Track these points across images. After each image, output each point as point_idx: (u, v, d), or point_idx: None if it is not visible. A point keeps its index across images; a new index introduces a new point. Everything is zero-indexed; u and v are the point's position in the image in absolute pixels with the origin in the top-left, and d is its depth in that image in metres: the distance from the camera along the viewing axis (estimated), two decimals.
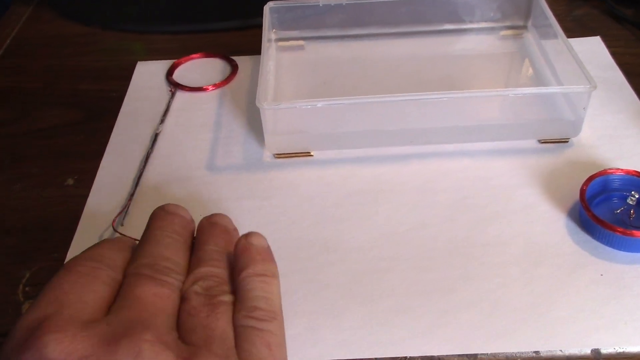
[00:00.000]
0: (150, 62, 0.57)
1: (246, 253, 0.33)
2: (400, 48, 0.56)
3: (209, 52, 0.57)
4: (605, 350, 0.34)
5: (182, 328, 0.29)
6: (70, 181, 0.46)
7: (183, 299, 0.31)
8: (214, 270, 0.32)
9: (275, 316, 0.31)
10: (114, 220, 0.42)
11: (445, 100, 0.44)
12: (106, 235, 0.41)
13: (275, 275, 0.33)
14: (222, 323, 0.30)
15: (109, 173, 0.46)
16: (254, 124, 0.49)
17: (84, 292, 0.29)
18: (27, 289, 0.39)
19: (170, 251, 0.33)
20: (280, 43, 0.56)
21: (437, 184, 0.44)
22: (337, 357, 0.35)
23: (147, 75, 0.55)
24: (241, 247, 0.33)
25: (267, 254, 0.33)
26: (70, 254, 0.40)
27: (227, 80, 0.54)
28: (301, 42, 0.56)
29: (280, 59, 0.55)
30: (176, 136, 0.49)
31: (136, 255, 0.32)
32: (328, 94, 0.51)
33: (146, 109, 0.52)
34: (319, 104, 0.43)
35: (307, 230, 0.41)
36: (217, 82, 0.54)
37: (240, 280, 0.32)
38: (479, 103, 0.46)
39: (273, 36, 0.55)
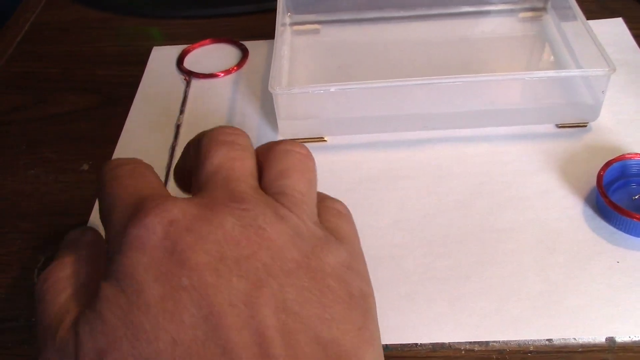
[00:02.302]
0: (165, 47, 0.57)
1: None
2: (417, 31, 0.55)
3: (217, 38, 0.57)
4: (620, 338, 0.34)
5: (269, 190, 0.28)
6: (85, 166, 0.46)
7: (266, 160, 0.29)
8: None
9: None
10: None
11: (461, 84, 0.43)
12: None
13: None
14: (312, 184, 0.29)
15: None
16: (268, 109, 0.49)
17: (149, 182, 0.28)
18: (41, 274, 0.39)
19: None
20: (295, 27, 0.55)
21: (451, 169, 0.43)
22: None
23: (162, 61, 0.55)
24: None
25: None
26: None
27: (238, 65, 0.53)
28: (317, 26, 0.56)
29: (294, 43, 0.54)
30: (189, 122, 0.49)
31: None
32: (343, 78, 0.50)
33: (161, 95, 0.52)
34: (332, 89, 0.43)
35: None
36: (228, 68, 0.53)
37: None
38: (496, 87, 0.45)
39: (288, 20, 0.55)
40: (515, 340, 0.34)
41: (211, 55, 0.56)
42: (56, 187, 0.45)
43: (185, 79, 0.53)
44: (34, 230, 0.42)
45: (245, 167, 0.28)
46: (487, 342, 0.34)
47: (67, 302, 0.26)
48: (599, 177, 0.39)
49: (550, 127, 0.46)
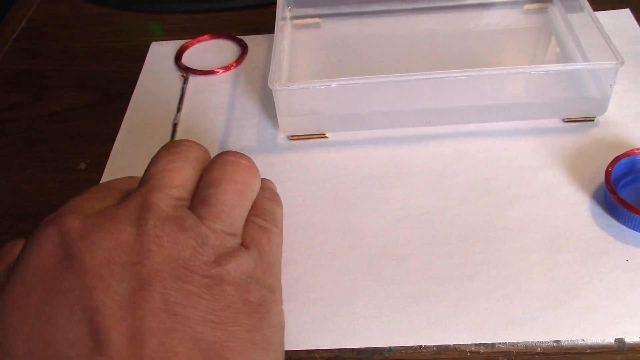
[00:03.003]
0: (164, 42, 0.56)
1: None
2: (420, 24, 0.54)
3: (216, 34, 0.56)
4: (630, 339, 0.33)
5: (196, 198, 0.30)
6: (82, 165, 0.45)
7: (205, 169, 0.31)
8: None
9: (278, 227, 0.33)
10: None
11: (465, 79, 0.42)
12: None
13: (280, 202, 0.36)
14: (241, 195, 0.31)
15: (121, 157, 0.45)
16: (268, 106, 0.48)
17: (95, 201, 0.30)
18: None
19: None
20: (296, 21, 0.54)
21: (455, 165, 0.42)
22: (351, 346, 0.34)
23: (161, 56, 0.54)
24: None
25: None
26: None
27: (237, 61, 0.52)
28: (317, 20, 0.55)
29: (295, 37, 0.53)
30: (188, 120, 0.48)
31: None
32: (344, 73, 0.49)
33: (159, 91, 0.51)
34: (333, 84, 0.42)
35: (321, 214, 0.40)
36: (227, 64, 0.52)
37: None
38: (500, 81, 0.44)
39: (288, 14, 0.54)
40: (522, 342, 0.33)
41: (210, 51, 0.55)
42: (52, 187, 0.44)
43: (182, 76, 0.52)
44: (29, 231, 0.41)
45: (178, 177, 0.30)
46: (493, 344, 0.33)
47: None
48: (607, 173, 0.38)
49: (556, 122, 0.45)
